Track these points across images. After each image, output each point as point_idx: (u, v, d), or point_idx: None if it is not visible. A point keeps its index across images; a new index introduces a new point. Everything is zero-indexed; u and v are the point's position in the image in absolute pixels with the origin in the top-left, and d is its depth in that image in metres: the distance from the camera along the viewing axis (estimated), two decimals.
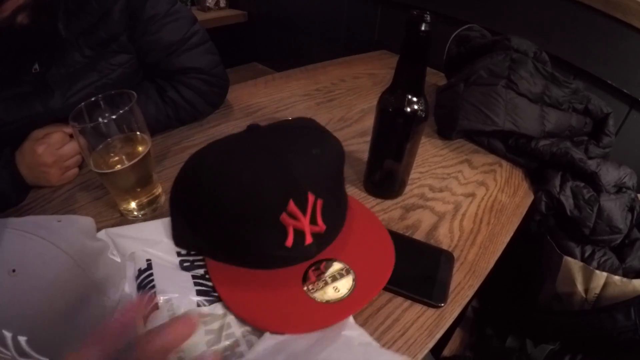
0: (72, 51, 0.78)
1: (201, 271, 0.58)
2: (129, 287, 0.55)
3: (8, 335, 0.40)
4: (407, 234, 0.70)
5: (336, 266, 0.57)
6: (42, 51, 0.75)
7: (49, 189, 0.76)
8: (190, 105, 0.93)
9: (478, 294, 0.66)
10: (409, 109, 0.65)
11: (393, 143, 0.71)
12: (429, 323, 0.57)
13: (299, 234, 0.54)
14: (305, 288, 0.54)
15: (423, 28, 0.58)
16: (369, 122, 0.71)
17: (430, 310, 0.58)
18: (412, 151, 0.72)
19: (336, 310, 0.53)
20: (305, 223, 0.53)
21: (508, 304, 1.00)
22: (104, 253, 0.55)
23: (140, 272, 0.55)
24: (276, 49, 2.53)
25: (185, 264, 0.58)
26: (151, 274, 0.54)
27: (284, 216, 0.52)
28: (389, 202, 0.78)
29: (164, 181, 0.76)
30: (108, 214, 0.70)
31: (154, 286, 0.52)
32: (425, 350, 0.55)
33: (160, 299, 0.50)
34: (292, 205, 0.52)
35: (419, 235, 0.71)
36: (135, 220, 0.69)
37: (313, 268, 0.57)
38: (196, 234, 0.59)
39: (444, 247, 0.68)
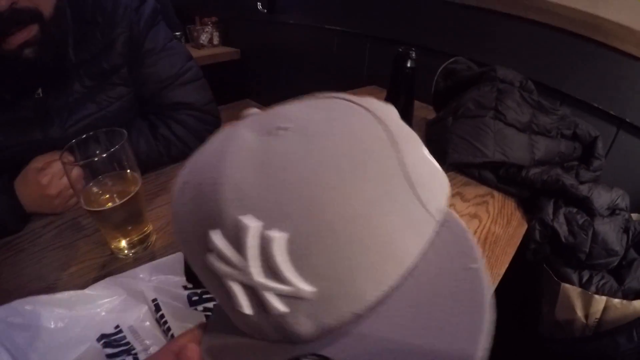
0: (74, 80, 0.80)
1: (211, 304, 0.59)
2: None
3: (277, 236, 0.25)
4: None
5: None
6: (47, 78, 0.77)
7: (40, 224, 0.77)
8: (182, 142, 0.94)
9: None
10: None
11: None
12: None
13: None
14: None
15: (409, 64, 0.60)
16: None
17: None
18: None
19: None
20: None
21: (507, 335, 1.00)
22: None
23: (152, 311, 0.58)
24: (268, 86, 2.60)
25: (194, 298, 0.59)
26: (163, 315, 0.56)
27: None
28: None
29: (155, 219, 0.77)
30: (98, 251, 0.71)
31: (169, 328, 0.54)
32: None
33: None
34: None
35: None
36: (125, 258, 0.70)
37: None
38: None
39: None
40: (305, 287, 0.25)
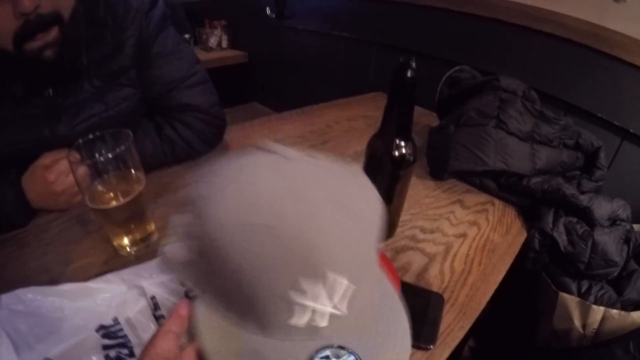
0: (83, 80, 0.82)
1: None
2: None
3: (353, 290, 0.40)
4: None
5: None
6: (59, 78, 0.78)
7: (45, 220, 0.79)
8: (187, 143, 0.96)
9: (474, 333, 0.66)
10: (396, 153, 0.68)
11: (382, 186, 0.72)
12: None
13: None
14: None
15: (409, 74, 0.61)
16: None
17: (419, 353, 0.59)
18: (402, 194, 0.75)
19: None
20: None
21: (505, 343, 1.00)
22: None
23: (151, 308, 0.59)
24: (275, 90, 2.64)
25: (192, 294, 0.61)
26: (162, 315, 0.57)
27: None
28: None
29: (158, 219, 0.78)
30: (102, 248, 0.73)
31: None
32: None
33: None
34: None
35: (408, 277, 0.72)
36: (128, 256, 0.71)
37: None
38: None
39: (434, 288, 0.70)
40: (345, 311, 0.40)
